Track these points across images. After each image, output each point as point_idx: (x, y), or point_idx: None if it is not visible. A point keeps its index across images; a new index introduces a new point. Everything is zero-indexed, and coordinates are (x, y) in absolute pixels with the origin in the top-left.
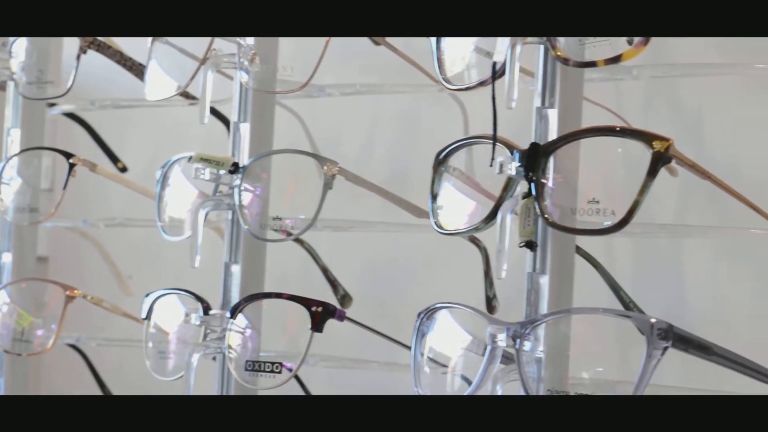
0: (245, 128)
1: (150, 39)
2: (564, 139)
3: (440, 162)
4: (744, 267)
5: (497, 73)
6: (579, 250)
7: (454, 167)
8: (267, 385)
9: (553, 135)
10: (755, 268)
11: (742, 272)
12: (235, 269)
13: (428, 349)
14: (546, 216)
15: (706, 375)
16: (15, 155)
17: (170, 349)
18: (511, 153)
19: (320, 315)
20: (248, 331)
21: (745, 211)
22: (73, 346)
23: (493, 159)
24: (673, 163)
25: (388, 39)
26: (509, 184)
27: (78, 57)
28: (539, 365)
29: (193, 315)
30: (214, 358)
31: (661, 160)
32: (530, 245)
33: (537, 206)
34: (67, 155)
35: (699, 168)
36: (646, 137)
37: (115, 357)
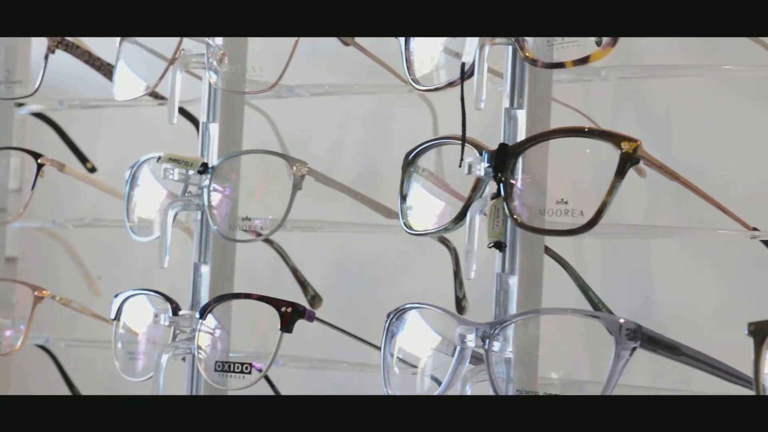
0: (214, 128)
1: (118, 39)
2: (533, 140)
3: (409, 162)
4: (712, 267)
5: (466, 73)
6: (548, 251)
7: (423, 168)
8: (236, 386)
9: (521, 136)
10: (723, 269)
11: (710, 273)
12: (205, 270)
13: (398, 349)
14: (515, 216)
15: (674, 375)
16: None
17: (139, 349)
18: (480, 154)
19: (290, 315)
20: (218, 332)
21: (712, 211)
22: (42, 347)
23: (462, 159)
24: (642, 164)
25: (357, 39)
26: (478, 185)
27: (46, 57)
28: (508, 365)
29: (163, 315)
30: (183, 359)
31: (629, 160)
32: (499, 246)
33: (506, 207)
34: (36, 155)
35: (667, 169)
36: (614, 138)
37: (85, 357)
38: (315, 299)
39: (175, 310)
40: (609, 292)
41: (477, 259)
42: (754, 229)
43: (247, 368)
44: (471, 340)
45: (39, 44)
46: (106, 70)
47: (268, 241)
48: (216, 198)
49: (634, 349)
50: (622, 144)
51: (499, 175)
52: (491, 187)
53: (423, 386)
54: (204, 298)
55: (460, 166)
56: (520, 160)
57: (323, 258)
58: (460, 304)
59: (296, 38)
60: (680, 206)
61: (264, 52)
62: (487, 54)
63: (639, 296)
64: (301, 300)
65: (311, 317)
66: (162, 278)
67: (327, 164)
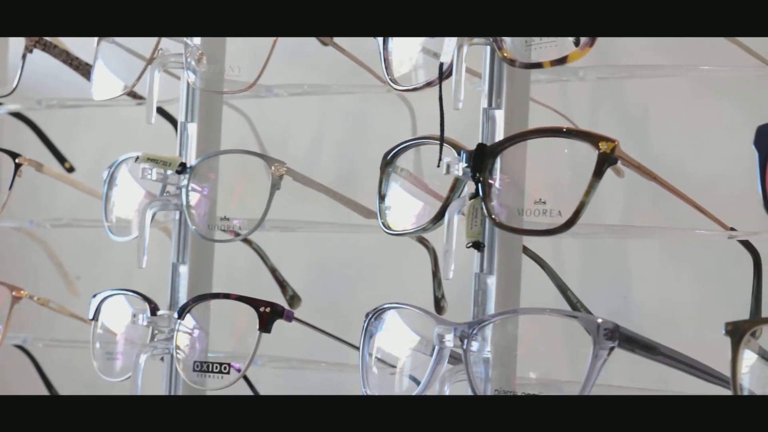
0: (193, 128)
1: (96, 39)
2: (511, 140)
3: (388, 162)
4: (689, 267)
5: (444, 74)
6: (526, 251)
7: (401, 168)
8: (215, 386)
9: (499, 136)
10: (700, 269)
11: (688, 272)
12: (183, 270)
13: (376, 349)
14: (493, 216)
15: (653, 375)
16: None
17: (118, 349)
18: (458, 154)
19: (268, 315)
20: (196, 332)
21: (690, 211)
22: (20, 347)
23: (440, 159)
24: (619, 164)
25: (336, 39)
26: (456, 185)
27: (24, 56)
28: (487, 365)
29: (141, 315)
30: (161, 359)
31: (607, 161)
32: (477, 246)
33: (484, 207)
34: (13, 155)
35: (645, 169)
36: (592, 138)
37: (63, 358)
38: (294, 299)
39: (154, 310)
40: (587, 292)
41: (455, 259)
42: (732, 229)
43: (225, 368)
44: (449, 339)
45: (16, 44)
46: (84, 69)
47: (246, 241)
48: (194, 198)
49: (612, 348)
50: (599, 144)
51: (477, 175)
52: (469, 187)
53: (401, 386)
54: (182, 298)
55: (438, 166)
56: (498, 160)
57: (302, 258)
58: (438, 304)
59: (274, 38)
60: (658, 206)
61: (242, 52)
62: (465, 54)
63: (617, 296)
64: (280, 300)
65: (290, 317)
66: (140, 278)
67: (305, 164)
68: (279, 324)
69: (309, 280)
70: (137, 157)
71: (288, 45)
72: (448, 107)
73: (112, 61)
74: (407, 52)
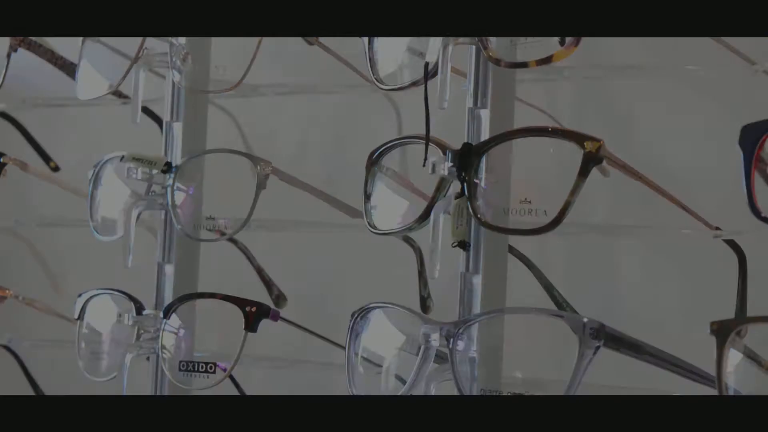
0: (178, 127)
1: (81, 38)
2: (496, 140)
3: (373, 162)
4: (675, 267)
5: (430, 73)
6: (512, 250)
7: (387, 167)
8: (201, 386)
9: (485, 135)
10: (686, 268)
11: (673, 272)
12: (169, 269)
13: (362, 349)
14: (479, 216)
15: (640, 374)
16: None
17: (103, 349)
18: (444, 153)
19: (254, 315)
20: (182, 332)
21: (675, 211)
22: (5, 347)
23: (426, 159)
24: (605, 164)
25: (322, 39)
26: (442, 185)
27: (8, 55)
28: (473, 365)
29: (126, 315)
30: (147, 359)
31: (592, 160)
32: (463, 245)
33: (470, 206)
34: None
35: (630, 168)
36: (577, 138)
37: (49, 357)
38: (280, 299)
39: (139, 309)
40: (573, 292)
41: (441, 258)
42: (717, 228)
43: (211, 368)
44: (435, 339)
45: (1, 43)
46: (68, 69)
47: (232, 240)
48: (180, 197)
49: (597, 348)
50: (585, 144)
51: (463, 174)
52: (455, 187)
53: (387, 386)
54: (168, 297)
55: (424, 165)
56: (483, 159)
57: (288, 257)
58: (424, 304)
59: (260, 38)
60: (643, 206)
61: (228, 52)
62: (450, 54)
63: (603, 295)
64: (266, 299)
65: (276, 317)
66: (126, 278)
67: (291, 163)
68: (265, 323)
69: (295, 280)
70: (122, 157)
71: (273, 44)
72: (433, 107)
73: (97, 61)
74: (393, 52)
